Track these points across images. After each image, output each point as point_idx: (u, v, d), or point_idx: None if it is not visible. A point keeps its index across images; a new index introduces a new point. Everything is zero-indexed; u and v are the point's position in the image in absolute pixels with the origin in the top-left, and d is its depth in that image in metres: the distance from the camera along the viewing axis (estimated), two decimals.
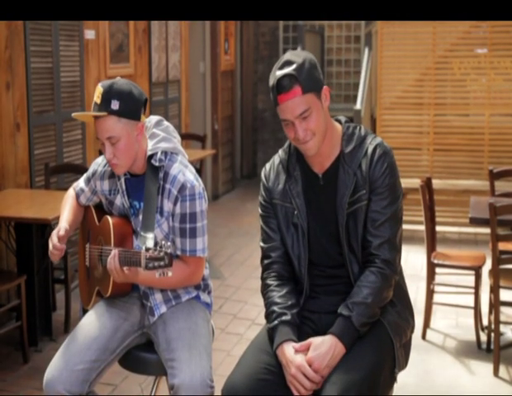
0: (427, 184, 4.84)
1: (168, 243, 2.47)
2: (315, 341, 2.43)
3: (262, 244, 2.66)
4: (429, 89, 7.66)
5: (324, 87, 2.50)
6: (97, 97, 2.65)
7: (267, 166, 2.70)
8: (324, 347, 2.40)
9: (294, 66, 2.42)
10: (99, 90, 2.65)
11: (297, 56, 2.46)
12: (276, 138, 11.18)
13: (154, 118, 2.88)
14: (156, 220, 2.73)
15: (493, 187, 5.31)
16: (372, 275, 2.48)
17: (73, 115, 2.78)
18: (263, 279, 2.66)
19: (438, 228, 5.68)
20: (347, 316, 2.43)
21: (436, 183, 6.58)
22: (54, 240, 2.76)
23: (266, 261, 2.65)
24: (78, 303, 4.99)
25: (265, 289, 2.63)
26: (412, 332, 2.68)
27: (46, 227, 4.56)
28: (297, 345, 2.44)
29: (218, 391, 2.69)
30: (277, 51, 11.03)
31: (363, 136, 2.57)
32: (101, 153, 5.84)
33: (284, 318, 2.50)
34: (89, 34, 6.06)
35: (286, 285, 2.60)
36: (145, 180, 2.74)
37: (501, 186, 5.82)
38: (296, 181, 2.59)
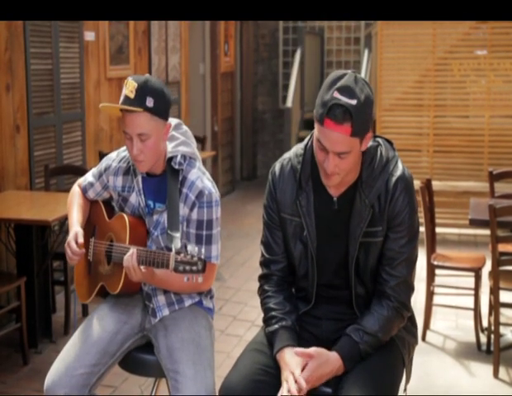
0: (427, 185, 4.84)
1: (203, 250, 2.48)
2: (317, 358, 2.38)
3: (263, 250, 2.62)
4: (428, 91, 7.66)
5: (369, 134, 2.35)
6: (129, 92, 2.60)
7: (277, 169, 2.55)
8: (326, 369, 2.37)
9: (355, 102, 2.24)
10: (132, 84, 2.61)
11: (360, 90, 2.26)
12: (276, 139, 11.18)
13: (173, 120, 2.84)
14: None
15: (493, 189, 5.32)
16: (389, 310, 2.45)
17: (101, 105, 2.71)
18: (261, 284, 2.64)
19: (438, 230, 5.68)
20: (356, 341, 2.41)
21: (436, 185, 6.58)
22: (73, 247, 2.73)
23: (265, 271, 2.62)
24: (78, 304, 5.00)
25: (262, 295, 2.61)
26: (416, 343, 2.68)
27: (46, 228, 4.55)
28: (299, 351, 2.41)
29: (217, 392, 2.69)
30: (276, 53, 11.04)
31: (384, 163, 2.43)
32: (100, 154, 5.87)
33: (285, 323, 2.48)
34: (89, 35, 6.06)
35: (283, 291, 2.58)
36: (167, 181, 2.73)
37: (501, 187, 5.82)
38: (308, 198, 2.48)
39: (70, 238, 2.76)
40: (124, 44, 6.72)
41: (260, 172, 11.07)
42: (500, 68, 7.56)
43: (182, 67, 8.26)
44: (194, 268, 2.42)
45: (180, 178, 2.73)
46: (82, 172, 5.24)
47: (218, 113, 9.35)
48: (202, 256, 2.43)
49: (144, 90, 2.60)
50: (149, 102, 2.60)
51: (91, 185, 2.95)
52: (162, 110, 2.65)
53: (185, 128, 2.88)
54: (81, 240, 2.74)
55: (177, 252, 2.46)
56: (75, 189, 3.02)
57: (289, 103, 9.02)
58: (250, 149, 10.92)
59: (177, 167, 2.73)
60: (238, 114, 10.48)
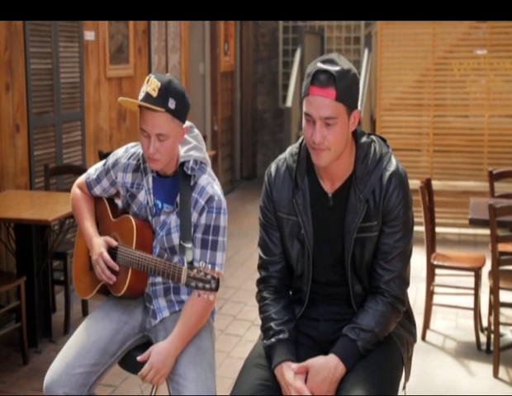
0: (426, 185, 4.84)
1: (207, 256, 2.53)
2: (314, 364, 2.40)
3: (261, 252, 2.62)
4: (428, 90, 7.66)
5: (357, 110, 2.38)
6: (152, 90, 2.58)
7: (273, 170, 2.57)
8: (325, 372, 2.37)
9: (337, 68, 2.30)
10: (155, 83, 2.59)
11: (344, 63, 2.34)
12: (275, 139, 11.18)
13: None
14: (176, 224, 2.73)
15: (492, 188, 5.31)
16: (383, 305, 2.45)
17: (120, 99, 2.67)
18: (260, 290, 2.62)
19: (438, 230, 5.68)
20: (353, 339, 2.40)
21: (436, 184, 6.58)
22: (106, 272, 2.73)
23: (263, 274, 2.61)
24: (78, 304, 5.01)
25: (261, 302, 2.60)
26: (415, 342, 2.68)
27: (46, 228, 4.55)
28: (296, 367, 2.41)
29: (218, 391, 2.69)
30: (276, 52, 11.04)
31: (378, 158, 2.45)
32: (100, 154, 5.87)
33: (282, 336, 2.47)
34: (89, 35, 6.06)
35: (282, 299, 2.57)
36: (179, 187, 2.72)
37: (501, 187, 5.82)
38: (304, 195, 2.48)
39: (97, 259, 2.73)
40: (124, 44, 6.71)
41: (260, 172, 11.06)
42: (499, 67, 7.56)
43: (182, 66, 8.26)
44: (207, 286, 2.43)
45: (191, 183, 2.72)
46: (81, 171, 5.22)
47: (218, 112, 9.35)
48: (216, 275, 2.43)
49: (167, 90, 2.59)
50: (172, 104, 2.59)
51: (97, 181, 2.91)
52: (182, 113, 2.64)
53: (196, 131, 2.86)
54: (107, 257, 2.73)
55: (190, 267, 2.46)
56: (77, 192, 2.97)
57: (289, 103, 9.02)
58: (250, 149, 10.92)
59: (189, 172, 2.72)
60: (238, 113, 10.47)
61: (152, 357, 2.63)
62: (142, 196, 2.80)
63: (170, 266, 2.56)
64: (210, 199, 2.71)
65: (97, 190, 2.93)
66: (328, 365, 2.38)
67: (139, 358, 2.68)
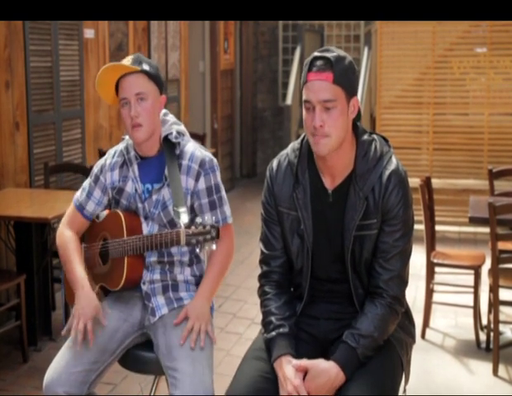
0: (426, 183, 4.84)
1: (219, 214, 2.65)
2: (315, 368, 2.39)
3: (262, 247, 2.62)
4: (428, 88, 7.66)
5: (355, 98, 2.41)
6: (127, 61, 2.73)
7: (274, 165, 2.58)
8: (325, 377, 2.36)
9: (334, 54, 2.37)
10: (128, 57, 2.76)
11: (341, 51, 2.41)
12: (275, 137, 11.18)
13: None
14: (170, 196, 2.75)
15: (492, 186, 5.31)
16: (382, 308, 2.44)
17: (97, 85, 2.75)
18: (261, 285, 2.62)
19: (438, 228, 5.68)
20: (353, 347, 2.39)
21: (435, 182, 6.59)
22: (79, 335, 2.65)
23: (265, 268, 2.61)
24: None
25: (263, 296, 2.60)
26: (414, 342, 2.67)
27: (46, 226, 4.56)
28: (295, 364, 2.41)
29: (217, 389, 2.69)
30: (276, 50, 11.04)
31: (378, 157, 2.45)
32: (100, 152, 5.87)
33: (282, 330, 2.47)
34: (89, 33, 6.06)
35: (284, 294, 2.57)
36: (165, 158, 2.77)
37: (501, 185, 5.82)
38: (305, 190, 2.49)
39: (80, 320, 2.65)
40: (123, 42, 6.71)
41: (260, 170, 11.06)
42: (499, 65, 7.56)
43: (182, 64, 8.26)
44: (208, 236, 2.52)
45: (177, 152, 2.79)
46: (81, 169, 5.25)
47: (218, 111, 9.34)
48: (215, 224, 2.53)
49: (139, 58, 2.76)
50: (146, 66, 2.73)
51: (88, 197, 2.89)
52: (157, 78, 2.77)
53: (172, 116, 2.96)
54: (102, 315, 2.69)
55: (187, 227, 2.51)
56: (65, 237, 2.87)
57: (289, 101, 9.02)
58: (250, 147, 10.92)
59: (174, 140, 2.79)
60: (237, 111, 10.47)
61: (189, 313, 2.71)
62: (130, 187, 2.83)
63: (166, 234, 2.62)
64: (203, 161, 2.78)
65: (90, 207, 2.90)
66: (329, 372, 2.37)
67: (175, 321, 2.72)
